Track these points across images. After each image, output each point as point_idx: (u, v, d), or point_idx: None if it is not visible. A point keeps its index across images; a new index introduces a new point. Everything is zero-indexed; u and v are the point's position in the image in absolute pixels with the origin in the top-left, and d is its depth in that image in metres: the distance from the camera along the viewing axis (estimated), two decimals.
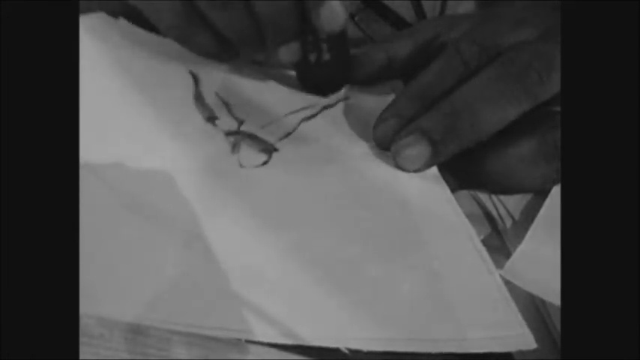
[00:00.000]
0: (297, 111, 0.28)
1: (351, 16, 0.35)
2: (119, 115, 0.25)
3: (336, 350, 0.16)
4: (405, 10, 0.36)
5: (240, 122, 0.26)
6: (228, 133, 0.25)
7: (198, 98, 0.27)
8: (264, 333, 0.16)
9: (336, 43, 0.28)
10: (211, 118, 0.26)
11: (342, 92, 0.30)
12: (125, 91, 0.27)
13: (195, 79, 0.28)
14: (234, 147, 0.25)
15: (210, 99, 0.27)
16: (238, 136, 0.25)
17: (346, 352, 0.16)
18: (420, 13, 0.36)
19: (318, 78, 0.29)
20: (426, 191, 0.23)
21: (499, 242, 0.25)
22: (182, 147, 0.24)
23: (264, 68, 0.31)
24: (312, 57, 0.28)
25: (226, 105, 0.27)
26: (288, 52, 0.27)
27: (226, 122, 0.26)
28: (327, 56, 0.28)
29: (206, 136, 0.25)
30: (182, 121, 0.26)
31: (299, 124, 0.27)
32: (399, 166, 0.24)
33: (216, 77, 0.29)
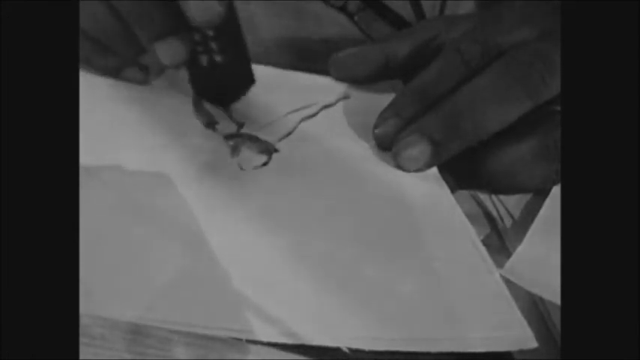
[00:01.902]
0: (297, 110, 0.27)
1: (351, 16, 0.35)
2: (120, 122, 0.26)
3: (337, 350, 0.16)
4: (404, 10, 0.36)
5: (240, 125, 0.26)
6: (228, 137, 0.25)
7: (197, 105, 0.27)
8: (265, 332, 0.16)
9: (227, 40, 0.24)
10: (211, 124, 0.26)
11: (342, 91, 0.30)
12: (125, 98, 0.27)
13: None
14: (234, 150, 0.25)
15: (209, 105, 0.27)
16: (238, 139, 0.25)
17: (347, 351, 0.16)
18: (419, 13, 0.36)
19: (212, 83, 0.26)
20: (425, 191, 0.23)
21: (499, 242, 0.25)
22: (182, 151, 0.24)
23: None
24: (204, 59, 0.25)
25: (226, 109, 0.27)
26: (166, 51, 0.24)
27: (226, 126, 0.26)
28: (219, 58, 0.25)
29: (206, 140, 0.25)
30: (182, 127, 0.26)
31: (299, 123, 0.27)
32: (399, 166, 0.24)
33: None
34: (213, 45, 0.24)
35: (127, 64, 0.27)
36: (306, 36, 0.36)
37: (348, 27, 0.36)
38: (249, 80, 0.26)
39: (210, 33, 0.24)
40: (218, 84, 0.26)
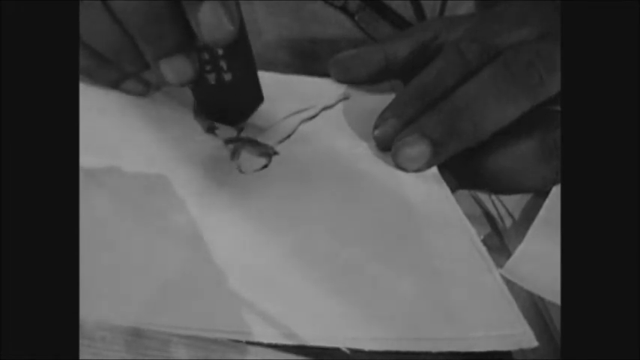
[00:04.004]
0: (297, 113, 0.28)
1: (351, 16, 0.35)
2: (120, 125, 0.26)
3: (337, 350, 0.16)
4: (405, 10, 0.36)
5: (240, 129, 0.26)
6: (228, 141, 0.25)
7: (198, 111, 0.27)
8: (265, 334, 0.16)
9: (236, 58, 0.24)
10: (211, 129, 0.26)
11: (342, 92, 0.30)
12: (125, 102, 0.27)
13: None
14: (234, 154, 0.25)
15: None
16: (238, 143, 0.25)
17: (347, 351, 0.16)
18: (419, 13, 0.36)
19: (220, 103, 0.25)
20: (425, 191, 0.23)
21: (499, 242, 0.25)
22: (183, 155, 0.24)
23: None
24: (212, 77, 0.24)
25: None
26: (172, 70, 0.23)
27: (226, 131, 0.26)
28: (228, 76, 0.24)
29: (206, 145, 0.25)
30: (182, 132, 0.26)
31: (298, 125, 0.27)
32: (399, 166, 0.24)
33: None
34: (222, 63, 0.24)
35: (128, 77, 0.27)
36: (306, 35, 0.36)
37: (348, 27, 0.36)
38: (259, 98, 0.26)
39: (220, 52, 0.23)
40: (226, 103, 0.25)
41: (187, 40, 0.22)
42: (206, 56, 0.24)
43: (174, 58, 0.22)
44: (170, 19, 0.21)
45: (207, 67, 0.24)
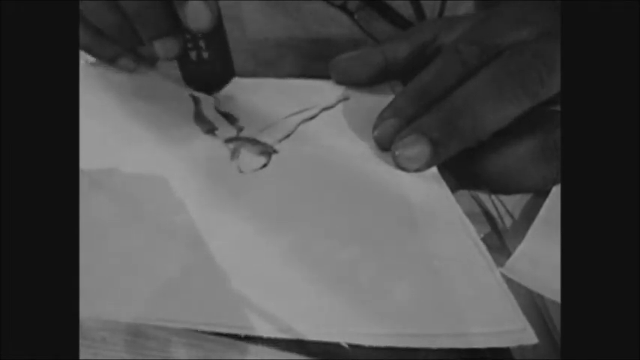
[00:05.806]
0: (297, 113, 0.28)
1: (351, 15, 0.35)
2: (119, 125, 0.26)
3: (337, 348, 0.16)
4: (405, 10, 0.36)
5: (240, 129, 0.26)
6: (228, 140, 0.26)
7: (198, 115, 0.28)
8: (264, 329, 0.16)
9: (213, 40, 0.29)
10: (211, 130, 0.26)
11: (342, 93, 0.30)
12: (124, 103, 0.28)
13: (196, 100, 0.29)
14: (234, 153, 0.25)
15: (210, 116, 0.28)
16: (238, 142, 0.25)
17: (346, 347, 0.16)
18: (419, 12, 0.36)
19: (199, 75, 0.30)
20: (425, 191, 0.23)
21: (499, 242, 0.25)
22: (182, 155, 0.24)
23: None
24: (193, 54, 0.29)
25: (226, 115, 0.28)
26: (163, 48, 0.28)
27: (226, 131, 0.26)
28: (205, 54, 0.29)
29: (206, 145, 0.25)
30: (182, 133, 0.26)
31: (298, 125, 0.27)
32: (399, 166, 0.24)
33: (217, 97, 0.30)
34: (201, 43, 0.29)
35: (124, 54, 0.31)
36: (306, 35, 0.36)
37: (348, 26, 0.36)
38: (231, 73, 0.31)
39: (199, 34, 0.28)
40: (204, 76, 0.30)
41: (175, 25, 0.27)
42: (188, 37, 0.29)
43: (165, 39, 0.28)
44: (162, 8, 0.27)
45: (189, 46, 0.29)
